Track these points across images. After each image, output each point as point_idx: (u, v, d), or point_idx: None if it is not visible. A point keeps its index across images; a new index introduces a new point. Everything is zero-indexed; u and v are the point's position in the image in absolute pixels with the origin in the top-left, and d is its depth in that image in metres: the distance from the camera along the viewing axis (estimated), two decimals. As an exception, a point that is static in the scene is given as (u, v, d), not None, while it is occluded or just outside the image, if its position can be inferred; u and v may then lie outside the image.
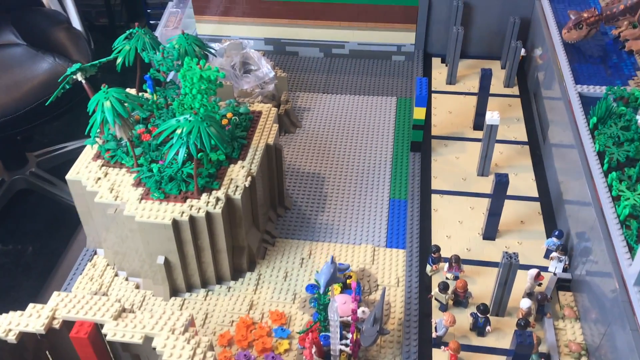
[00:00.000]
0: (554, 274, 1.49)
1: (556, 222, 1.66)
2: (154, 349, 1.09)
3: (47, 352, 1.19)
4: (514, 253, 1.34)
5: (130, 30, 1.52)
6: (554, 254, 1.50)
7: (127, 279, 1.56)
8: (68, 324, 1.14)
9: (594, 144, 1.49)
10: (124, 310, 1.15)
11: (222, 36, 2.36)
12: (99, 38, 4.83)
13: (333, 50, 2.36)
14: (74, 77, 1.42)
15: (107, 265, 1.59)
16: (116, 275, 1.57)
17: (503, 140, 1.92)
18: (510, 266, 1.34)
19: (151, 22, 4.71)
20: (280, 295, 1.51)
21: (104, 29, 4.91)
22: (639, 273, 1.16)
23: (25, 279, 3.28)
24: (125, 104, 1.31)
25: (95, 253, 1.63)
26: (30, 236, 3.67)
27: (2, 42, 3.21)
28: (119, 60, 1.50)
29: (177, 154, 1.26)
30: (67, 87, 1.44)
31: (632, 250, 1.25)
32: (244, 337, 1.39)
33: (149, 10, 4.63)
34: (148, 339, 1.11)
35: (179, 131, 1.25)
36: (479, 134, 1.94)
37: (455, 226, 1.66)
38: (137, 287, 1.54)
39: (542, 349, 1.36)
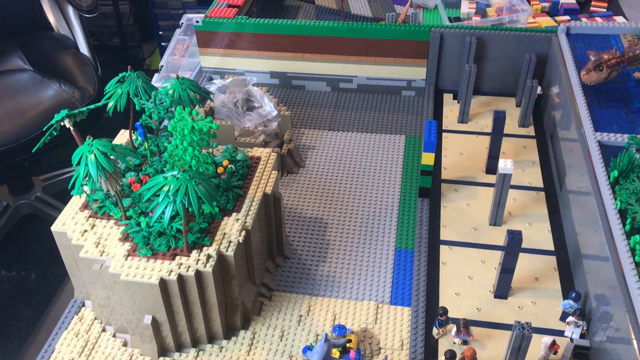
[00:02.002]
0: (571, 339, 1.38)
1: (573, 280, 1.55)
2: None
3: None
4: (527, 323, 1.23)
5: (123, 73, 1.44)
6: (570, 319, 1.39)
7: (114, 335, 1.47)
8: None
9: (615, 200, 1.39)
10: (100, 385, 1.07)
11: (227, 69, 2.29)
12: (111, 58, 4.82)
13: (340, 84, 2.28)
14: (62, 123, 1.35)
15: (95, 319, 1.51)
16: (103, 330, 1.48)
17: (517, 185, 1.81)
18: (522, 337, 1.23)
19: (162, 43, 4.69)
20: (275, 356, 1.41)
21: (116, 50, 4.90)
22: (665, 357, 1.05)
23: (26, 307, 3.22)
24: (112, 157, 1.24)
25: (83, 304, 1.55)
26: (34, 262, 3.62)
27: (10, 67, 3.18)
28: (110, 105, 1.43)
29: (163, 213, 1.17)
30: (55, 133, 1.37)
31: (657, 326, 1.14)
32: (235, 405, 1.30)
33: (160, 32, 4.61)
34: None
35: (165, 189, 1.17)
36: (491, 178, 1.84)
37: (465, 282, 1.56)
38: (125, 344, 1.45)
39: None
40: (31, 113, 2.94)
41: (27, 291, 3.36)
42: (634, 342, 1.15)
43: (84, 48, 3.36)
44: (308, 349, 1.41)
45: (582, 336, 1.39)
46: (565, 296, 1.48)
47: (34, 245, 3.63)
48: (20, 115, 2.92)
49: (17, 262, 3.55)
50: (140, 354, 1.42)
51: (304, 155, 2.02)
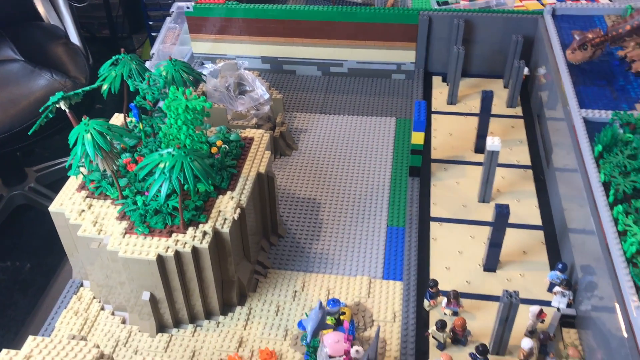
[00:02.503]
0: (558, 309, 1.43)
1: (560, 253, 1.59)
2: (132, 400, 1.03)
3: (22, 399, 1.14)
4: (515, 292, 1.27)
5: (117, 56, 1.47)
6: (557, 289, 1.44)
7: (113, 314, 1.50)
8: (43, 372, 1.08)
9: (599, 173, 1.43)
10: (102, 356, 1.10)
11: (218, 55, 2.31)
12: (101, 49, 4.82)
13: (331, 68, 2.31)
14: (57, 105, 1.37)
15: (93, 298, 1.53)
16: (102, 309, 1.51)
17: (505, 164, 1.85)
18: (510, 305, 1.27)
19: (152, 34, 4.69)
20: (271, 331, 1.45)
21: (106, 41, 4.89)
22: (646, 319, 1.09)
23: (22, 296, 3.24)
24: (108, 136, 1.26)
25: (82, 285, 1.57)
26: (29, 252, 3.64)
27: (0, 57, 3.18)
28: (104, 87, 1.45)
29: (159, 189, 1.20)
30: (50, 115, 1.39)
31: (639, 290, 1.18)
32: (232, 377, 1.34)
33: (150, 22, 4.61)
34: (125, 389, 1.05)
35: (161, 165, 1.20)
36: (480, 157, 1.88)
37: (455, 257, 1.60)
38: (124, 322, 1.48)
39: (545, 392, 1.29)
40: (23, 103, 2.95)
41: (22, 281, 3.38)
42: (618, 309, 1.19)
43: (74, 38, 3.36)
44: (303, 322, 1.45)
45: (568, 305, 1.43)
46: (552, 269, 1.52)
47: (29, 235, 3.64)
48: (12, 105, 2.93)
49: (11, 252, 3.57)
50: (139, 331, 1.45)
51: (296, 138, 2.04)
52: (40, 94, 2.98)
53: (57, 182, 3.59)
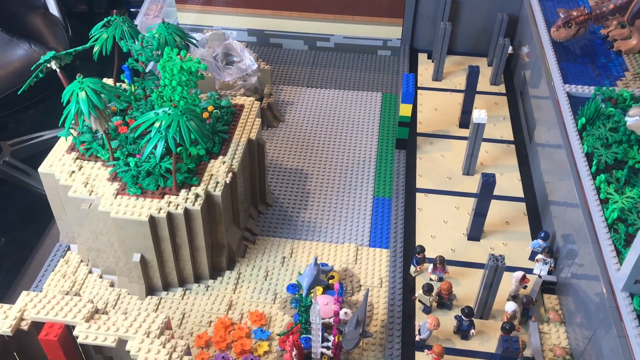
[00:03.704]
0: (539, 276, 1.47)
1: (542, 224, 1.64)
2: (128, 352, 1.04)
3: (14, 355, 1.14)
4: (500, 255, 1.31)
5: (109, 17, 1.45)
6: (539, 256, 1.48)
7: (101, 277, 1.50)
8: (37, 325, 1.09)
9: (582, 145, 1.47)
10: (97, 311, 1.10)
11: (204, 26, 2.30)
12: (77, 25, 4.71)
13: (318, 43, 2.31)
14: (48, 65, 1.36)
15: (81, 261, 1.53)
16: (90, 272, 1.51)
17: (489, 139, 1.89)
18: (496, 269, 1.31)
19: (131, 9, 4.60)
20: (260, 295, 1.47)
21: (83, 16, 4.79)
22: (627, 278, 1.14)
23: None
24: (102, 95, 1.25)
25: (69, 249, 1.57)
26: (3, 228, 3.57)
27: (-25, 26, 3.11)
28: (96, 49, 1.44)
29: (155, 148, 1.20)
30: (41, 75, 1.37)
31: (619, 255, 1.23)
32: (222, 338, 1.35)
33: (129, -2, 4.53)
34: (122, 342, 1.06)
35: (157, 124, 1.20)
36: (464, 132, 1.91)
37: (440, 226, 1.63)
38: (112, 285, 1.49)
39: (527, 353, 1.34)
40: (1, 73, 2.89)
41: (-4, 255, 3.32)
42: (599, 272, 1.24)
43: (53, 8, 3.30)
44: (292, 286, 1.47)
45: (549, 273, 1.48)
46: (534, 239, 1.57)
47: (3, 210, 3.57)
48: (-12, 75, 2.87)
49: (-15, 227, 3.50)
50: (128, 294, 1.46)
51: (283, 111, 2.05)
52: (19, 64, 2.92)
53: (33, 157, 3.52)
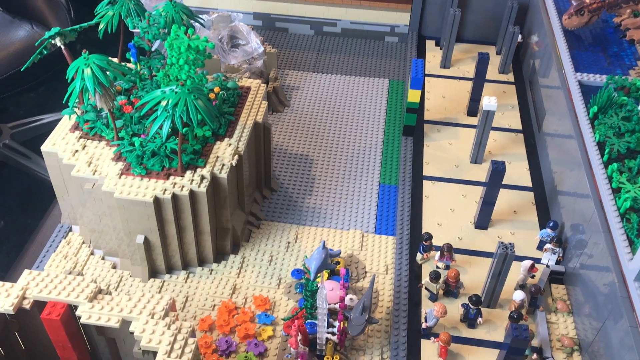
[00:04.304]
0: (547, 266, 1.45)
1: (550, 213, 1.62)
2: (132, 333, 1.02)
3: (15, 334, 1.12)
4: (510, 243, 1.29)
5: (114, -6, 1.42)
6: (547, 246, 1.46)
7: (103, 258, 1.48)
8: (39, 305, 1.07)
9: (594, 134, 1.45)
10: (100, 291, 1.08)
11: (210, 8, 2.26)
12: (80, 8, 4.67)
13: (324, 28, 2.28)
14: (52, 41, 1.33)
15: (83, 243, 1.51)
16: (92, 253, 1.49)
17: (497, 127, 1.87)
18: (505, 257, 1.29)
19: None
20: (264, 279, 1.45)
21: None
22: (640, 268, 1.12)
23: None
24: (107, 72, 1.23)
25: (71, 230, 1.55)
26: (2, 210, 3.55)
27: (-24, 6, 3.07)
28: (101, 26, 1.41)
29: (160, 127, 1.18)
30: (45, 52, 1.35)
31: (632, 245, 1.21)
32: (226, 322, 1.33)
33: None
34: (125, 323, 1.04)
35: (164, 103, 1.17)
36: (472, 120, 1.89)
37: (447, 214, 1.61)
38: (114, 267, 1.47)
39: (534, 343, 1.32)
40: (2, 53, 2.86)
41: (-4, 238, 3.30)
42: (610, 262, 1.22)
43: (55, -11, 3.25)
44: (297, 271, 1.45)
45: (557, 262, 1.46)
46: (542, 228, 1.55)
47: (3, 193, 3.55)
48: (-9, 55, 2.84)
49: (-15, 210, 3.48)
50: (130, 276, 1.44)
51: (288, 96, 2.03)
52: (20, 45, 2.89)
53: (33, 140, 3.50)
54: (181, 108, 1.16)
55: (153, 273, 1.44)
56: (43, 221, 1.65)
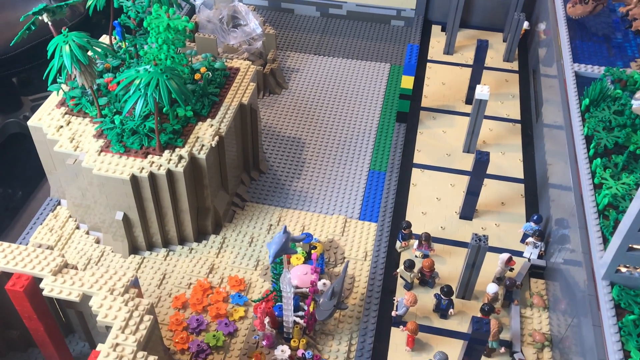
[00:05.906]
0: (528, 259, 1.43)
1: (539, 206, 1.59)
2: (91, 307, 1.05)
3: (-13, 302, 1.16)
4: (484, 236, 1.27)
5: (103, -28, 1.43)
6: (529, 239, 1.44)
7: (87, 233, 1.51)
8: (7, 276, 1.10)
9: (583, 127, 1.41)
10: (65, 265, 1.11)
11: (215, -12, 2.26)
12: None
13: (330, 10, 2.26)
14: (40, 17, 1.35)
15: (69, 217, 1.54)
16: (77, 228, 1.52)
17: (495, 116, 1.83)
18: (478, 249, 1.27)
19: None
20: (242, 260, 1.46)
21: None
22: (608, 266, 1.09)
23: (10, 222, 3.26)
24: (88, 50, 1.24)
25: (59, 203, 1.58)
26: (21, 180, 3.64)
27: (-3, -20, 3.12)
28: (89, 3, 1.42)
29: (134, 107, 1.19)
30: (33, 27, 1.37)
31: (606, 242, 1.18)
32: (199, 301, 1.35)
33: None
34: (86, 297, 1.06)
35: (137, 82, 1.18)
36: (470, 109, 1.86)
37: (433, 203, 1.60)
38: (97, 241, 1.50)
39: (505, 336, 1.30)
40: (19, 27, 2.90)
41: (12, 208, 3.40)
42: (582, 259, 1.19)
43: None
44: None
45: (539, 257, 1.44)
46: (529, 221, 1.52)
47: (22, 164, 3.64)
48: (8, 29, 2.89)
49: (4, 179, 3.57)
50: (112, 251, 1.47)
51: (287, 78, 2.02)
52: (39, 19, 2.94)
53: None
54: (152, 87, 1.17)
55: (134, 249, 1.47)
56: (33, 194, 1.69)
